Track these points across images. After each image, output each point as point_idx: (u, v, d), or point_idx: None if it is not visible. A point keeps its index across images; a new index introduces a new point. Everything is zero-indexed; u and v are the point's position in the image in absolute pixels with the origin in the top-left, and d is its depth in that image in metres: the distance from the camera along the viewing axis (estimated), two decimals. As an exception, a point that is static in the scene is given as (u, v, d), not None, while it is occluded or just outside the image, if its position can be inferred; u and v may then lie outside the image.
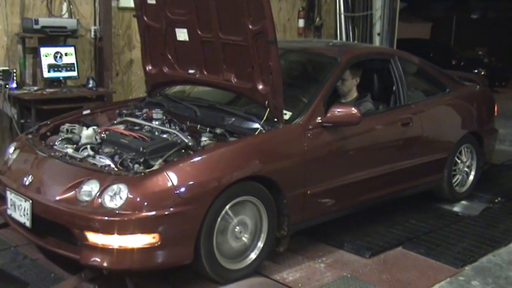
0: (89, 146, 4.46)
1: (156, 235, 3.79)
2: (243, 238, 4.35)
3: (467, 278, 4.62)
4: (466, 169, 6.36)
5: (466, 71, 11.72)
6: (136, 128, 4.78)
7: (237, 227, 4.28)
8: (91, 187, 3.91)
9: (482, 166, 6.57)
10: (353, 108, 4.76)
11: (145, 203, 3.78)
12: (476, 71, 16.22)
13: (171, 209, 3.83)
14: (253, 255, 4.41)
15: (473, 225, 5.67)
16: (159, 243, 3.80)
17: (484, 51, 19.65)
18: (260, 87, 4.53)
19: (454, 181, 6.25)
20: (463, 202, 6.36)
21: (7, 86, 6.48)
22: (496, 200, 6.43)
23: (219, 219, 4.12)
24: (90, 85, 6.98)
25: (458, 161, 6.25)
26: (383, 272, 4.67)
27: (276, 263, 4.65)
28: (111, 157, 4.26)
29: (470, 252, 5.02)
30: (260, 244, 4.43)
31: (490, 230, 5.57)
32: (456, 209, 6.19)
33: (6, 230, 4.81)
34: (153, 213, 3.78)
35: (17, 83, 6.59)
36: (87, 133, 4.66)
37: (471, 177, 6.45)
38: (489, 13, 23.28)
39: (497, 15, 22.78)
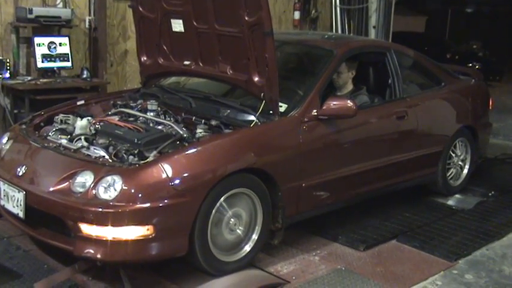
0: (83, 137, 4.43)
1: (150, 227, 3.77)
2: (238, 230, 4.33)
3: (460, 271, 4.64)
4: (460, 163, 6.37)
5: (460, 65, 11.73)
6: (131, 119, 4.76)
7: (232, 219, 4.27)
8: (85, 178, 3.88)
9: (476, 160, 6.58)
10: (349, 101, 4.74)
11: (140, 195, 3.76)
12: (470, 64, 16.22)
13: (166, 200, 3.81)
14: (247, 248, 4.40)
15: (467, 219, 5.69)
16: (153, 235, 3.79)
17: (479, 45, 19.65)
18: (256, 79, 4.51)
19: (448, 175, 6.26)
20: (457, 196, 6.37)
21: (0, 75, 6.45)
22: (490, 194, 6.45)
23: (213, 211, 4.10)
24: (85, 75, 6.97)
25: (453, 155, 6.25)
26: (377, 265, 4.67)
27: (270, 256, 4.65)
28: (106, 148, 4.24)
29: (464, 246, 5.04)
30: (255, 236, 4.42)
31: (484, 223, 5.58)
32: (450, 202, 6.20)
33: (-1, 221, 4.80)
34: (148, 205, 3.76)
35: (10, 73, 6.56)
36: (81, 124, 4.63)
37: (465, 171, 6.46)
38: (484, 7, 23.30)
39: (492, 9, 22.81)
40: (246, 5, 4.31)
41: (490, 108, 6.90)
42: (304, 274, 4.43)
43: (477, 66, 15.89)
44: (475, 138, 6.49)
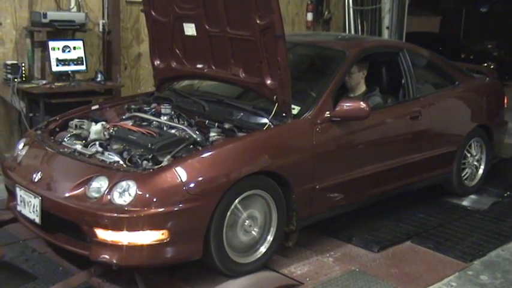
0: (97, 142, 4.47)
1: (165, 231, 3.80)
2: (253, 232, 4.35)
3: (476, 272, 4.62)
4: (475, 163, 6.34)
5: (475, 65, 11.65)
6: (145, 123, 4.78)
7: (247, 221, 4.29)
8: (100, 184, 3.92)
9: (491, 159, 6.54)
10: (361, 103, 4.74)
11: (154, 200, 3.78)
12: (485, 64, 16.10)
13: (180, 205, 3.83)
14: (263, 249, 4.41)
15: (482, 220, 5.66)
16: (168, 239, 3.81)
17: (493, 45, 19.47)
18: (268, 82, 4.52)
19: (463, 175, 6.22)
20: (472, 196, 6.33)
21: (16, 79, 6.50)
22: (505, 194, 6.40)
23: (228, 213, 4.12)
24: (99, 79, 7.00)
25: (468, 155, 6.22)
26: (391, 266, 4.67)
27: (285, 257, 4.66)
28: (120, 153, 4.26)
29: (479, 247, 5.02)
30: (270, 238, 4.43)
31: (499, 224, 5.55)
32: (465, 203, 6.16)
33: (15, 224, 4.82)
34: (162, 209, 3.78)
35: (25, 77, 6.60)
36: (95, 129, 4.66)
37: (480, 171, 6.42)
38: (498, 6, 23.05)
39: (506, 8, 22.57)
40: (257, 8, 4.31)
41: (505, 106, 6.86)
42: (318, 275, 4.44)
43: (492, 66, 15.77)
44: (490, 137, 6.45)
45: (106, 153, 4.31)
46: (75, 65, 6.88)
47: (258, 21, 4.34)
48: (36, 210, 4.12)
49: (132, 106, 5.24)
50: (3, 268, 4.29)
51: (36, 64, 6.94)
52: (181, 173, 3.89)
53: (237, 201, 4.16)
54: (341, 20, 10.40)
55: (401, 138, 5.46)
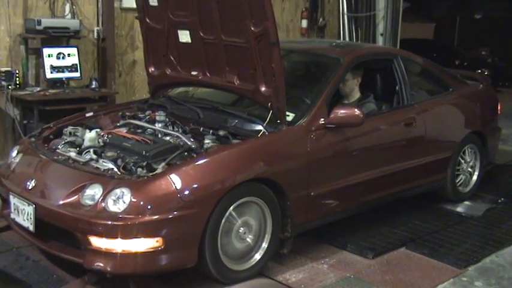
0: (91, 150, 4.45)
1: (159, 239, 3.79)
2: (248, 239, 4.34)
3: (470, 278, 4.62)
4: (469, 169, 6.35)
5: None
6: (139, 130, 4.78)
7: (241, 228, 4.28)
8: (94, 191, 3.91)
9: (485, 166, 6.56)
10: (356, 110, 4.75)
11: (149, 207, 3.78)
12: (479, 71, 16.16)
13: (175, 212, 3.83)
14: (257, 256, 4.41)
15: (477, 226, 5.66)
16: (162, 247, 3.81)
17: (488, 51, 19.58)
18: (263, 89, 4.52)
19: (457, 181, 6.23)
20: (466, 202, 6.34)
21: (10, 86, 6.49)
22: (499, 201, 6.41)
23: (223, 220, 4.12)
24: (93, 86, 7.00)
25: (462, 161, 6.24)
26: (386, 272, 4.66)
27: (279, 264, 4.65)
28: (114, 161, 4.26)
29: (474, 253, 5.02)
30: (264, 245, 4.43)
31: (493, 230, 5.55)
32: (459, 209, 6.17)
33: (9, 231, 4.81)
34: (157, 217, 3.78)
35: (19, 84, 6.59)
36: (90, 136, 4.64)
37: (474, 177, 6.43)
38: (493, 13, 23.14)
39: (500, 15, 22.67)
40: (252, 15, 4.32)
41: (499, 112, 6.87)
42: (313, 282, 4.43)
43: (486, 73, 15.83)
44: (484, 144, 6.47)
45: (100, 160, 4.30)
46: (69, 72, 6.88)
47: (252, 29, 4.35)
48: (30, 218, 4.10)
49: (127, 113, 5.22)
50: (-3, 276, 4.29)
51: (30, 71, 6.94)
52: (175, 180, 3.89)
53: (231, 208, 4.16)
54: (336, 26, 10.43)
55: (396, 144, 5.47)
